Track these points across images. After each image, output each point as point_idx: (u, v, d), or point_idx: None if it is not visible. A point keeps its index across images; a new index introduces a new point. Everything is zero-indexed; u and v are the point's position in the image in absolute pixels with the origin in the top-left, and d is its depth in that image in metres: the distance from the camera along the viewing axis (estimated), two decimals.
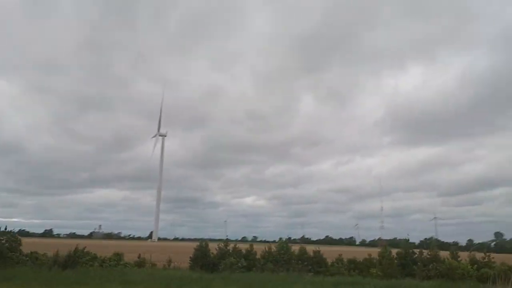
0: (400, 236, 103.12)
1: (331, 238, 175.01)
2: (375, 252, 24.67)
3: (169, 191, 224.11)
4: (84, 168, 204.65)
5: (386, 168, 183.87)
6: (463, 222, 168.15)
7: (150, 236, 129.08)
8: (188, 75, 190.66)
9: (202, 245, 22.18)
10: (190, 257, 22.27)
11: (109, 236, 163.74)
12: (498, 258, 23.28)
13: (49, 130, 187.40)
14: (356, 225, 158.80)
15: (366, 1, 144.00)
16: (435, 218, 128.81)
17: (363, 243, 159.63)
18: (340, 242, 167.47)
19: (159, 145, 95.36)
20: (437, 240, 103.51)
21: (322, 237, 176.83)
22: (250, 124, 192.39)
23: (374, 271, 21.53)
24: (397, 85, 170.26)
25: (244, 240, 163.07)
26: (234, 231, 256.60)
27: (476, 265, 21.29)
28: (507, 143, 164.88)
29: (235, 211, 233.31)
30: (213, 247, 22.32)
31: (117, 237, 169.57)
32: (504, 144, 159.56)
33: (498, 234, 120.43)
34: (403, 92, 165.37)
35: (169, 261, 23.95)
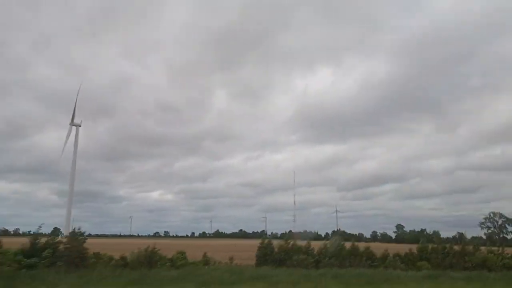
0: (306, 228, 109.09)
1: (245, 232, 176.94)
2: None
3: (66, 184, 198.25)
4: None
5: (293, 163, 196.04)
6: (358, 215, 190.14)
7: (54, 232, 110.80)
8: (97, 61, 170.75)
9: (266, 242, 21.14)
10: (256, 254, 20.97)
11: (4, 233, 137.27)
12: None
13: None
14: (264, 218, 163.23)
15: (282, 2, 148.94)
16: (336, 211, 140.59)
17: (275, 236, 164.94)
18: (253, 235, 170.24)
19: (72, 136, 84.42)
20: (344, 232, 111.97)
21: (235, 231, 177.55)
22: (161, 117, 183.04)
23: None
24: (307, 85, 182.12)
25: (157, 236, 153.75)
26: (139, 227, 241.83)
27: None
28: (397, 143, 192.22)
29: (140, 206, 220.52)
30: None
31: (13, 233, 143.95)
32: (394, 144, 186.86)
33: (399, 226, 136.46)
34: (312, 92, 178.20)
35: (231, 258, 21.59)
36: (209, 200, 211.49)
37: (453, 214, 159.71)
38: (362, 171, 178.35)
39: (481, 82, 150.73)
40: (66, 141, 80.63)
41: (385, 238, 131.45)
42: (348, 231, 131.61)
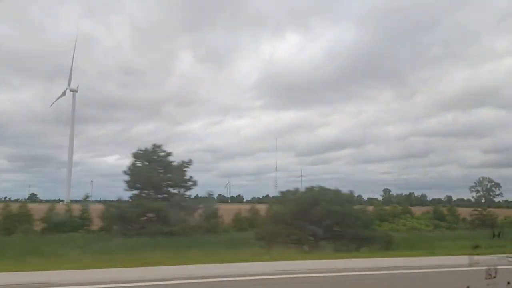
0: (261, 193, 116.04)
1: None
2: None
3: (20, 149, 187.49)
4: None
5: (254, 129, 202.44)
6: (314, 179, 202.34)
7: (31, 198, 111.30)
8: (55, 20, 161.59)
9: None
10: None
11: None
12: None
13: None
14: (228, 183, 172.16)
15: None
16: (301, 176, 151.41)
17: (234, 200, 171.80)
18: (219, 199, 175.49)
19: (69, 100, 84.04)
20: None
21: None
22: (122, 80, 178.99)
23: None
24: (274, 52, 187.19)
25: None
26: (93, 192, 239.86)
27: None
28: (357, 110, 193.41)
29: (94, 171, 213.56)
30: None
31: None
32: (356, 110, 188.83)
33: (386, 190, 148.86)
34: (279, 59, 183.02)
35: None
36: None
37: (402, 178, 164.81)
38: (322, 137, 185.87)
39: (441, 51, 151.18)
40: (73, 110, 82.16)
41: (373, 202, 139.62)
42: None
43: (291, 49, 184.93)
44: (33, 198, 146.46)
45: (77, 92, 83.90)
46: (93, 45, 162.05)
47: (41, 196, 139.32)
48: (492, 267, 6.52)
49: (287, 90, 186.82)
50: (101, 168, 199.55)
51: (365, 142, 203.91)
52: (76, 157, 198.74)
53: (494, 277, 6.37)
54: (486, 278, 6.34)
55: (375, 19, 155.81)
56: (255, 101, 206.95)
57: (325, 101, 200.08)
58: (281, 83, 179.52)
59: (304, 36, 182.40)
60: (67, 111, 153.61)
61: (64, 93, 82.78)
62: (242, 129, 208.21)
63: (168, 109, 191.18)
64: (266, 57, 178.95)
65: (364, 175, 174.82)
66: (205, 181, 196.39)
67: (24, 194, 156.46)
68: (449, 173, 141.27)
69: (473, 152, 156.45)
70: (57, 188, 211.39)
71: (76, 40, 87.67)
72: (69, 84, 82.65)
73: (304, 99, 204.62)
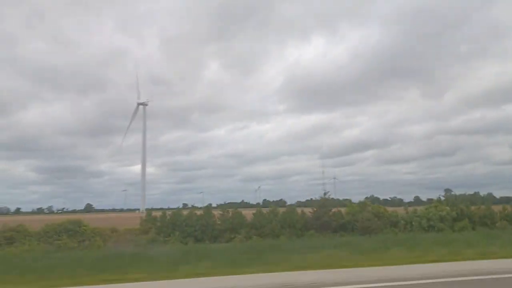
0: (283, 196, 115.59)
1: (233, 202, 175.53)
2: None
3: (48, 160, 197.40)
4: None
5: (277, 133, 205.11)
6: (338, 181, 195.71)
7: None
8: (90, 35, 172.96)
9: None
10: None
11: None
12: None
13: None
14: (259, 187, 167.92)
15: None
16: (334, 178, 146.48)
17: (265, 205, 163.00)
18: (245, 205, 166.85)
19: (138, 115, 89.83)
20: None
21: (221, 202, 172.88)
22: (151, 90, 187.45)
23: None
24: (300, 55, 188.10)
25: (40, 211, 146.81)
26: (118, 200, 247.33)
27: None
28: (382, 110, 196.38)
29: (120, 180, 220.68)
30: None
31: (10, 212, 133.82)
32: (381, 111, 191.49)
33: (447, 190, 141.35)
34: (305, 62, 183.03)
35: None
36: (191, 172, 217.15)
37: (427, 177, 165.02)
38: (346, 138, 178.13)
39: (469, 48, 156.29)
40: (131, 120, 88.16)
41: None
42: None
43: (317, 52, 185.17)
44: (89, 208, 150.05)
45: (147, 105, 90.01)
46: (125, 58, 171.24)
47: (66, 206, 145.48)
48: None
49: (312, 93, 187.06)
50: (127, 178, 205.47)
51: (390, 143, 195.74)
52: (104, 167, 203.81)
53: None
54: None
55: (401, 19, 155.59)
56: (279, 105, 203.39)
57: (350, 102, 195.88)
58: (306, 86, 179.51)
59: (330, 39, 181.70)
60: (95, 124, 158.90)
61: (136, 109, 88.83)
62: (265, 134, 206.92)
63: (194, 117, 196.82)
64: (291, 62, 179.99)
65: (387, 176, 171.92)
66: (228, 186, 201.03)
67: (50, 205, 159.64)
68: (476, 171, 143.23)
69: (501, 148, 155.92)
70: (83, 198, 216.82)
71: (138, 57, 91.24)
72: (138, 98, 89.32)
73: (328, 101, 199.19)
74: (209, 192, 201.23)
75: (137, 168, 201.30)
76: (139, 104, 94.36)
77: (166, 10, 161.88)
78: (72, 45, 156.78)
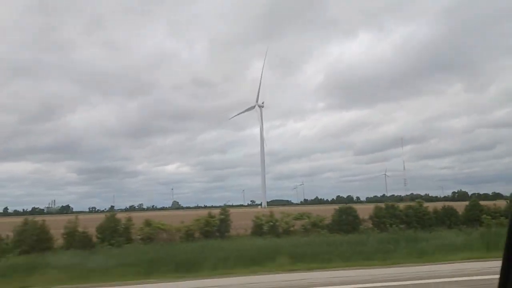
0: (316, 193, 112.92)
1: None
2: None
3: (88, 162, 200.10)
4: None
5: (313, 131, 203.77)
6: (366, 178, 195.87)
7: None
8: (141, 40, 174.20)
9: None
10: None
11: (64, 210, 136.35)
12: None
13: None
14: (301, 184, 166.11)
15: None
16: (385, 174, 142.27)
17: (305, 203, 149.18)
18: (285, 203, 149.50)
19: (258, 116, 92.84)
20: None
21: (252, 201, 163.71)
22: (195, 91, 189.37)
23: None
24: (343, 52, 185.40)
25: (176, 207, 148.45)
26: (151, 199, 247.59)
27: None
28: (423, 105, 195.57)
29: (155, 179, 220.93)
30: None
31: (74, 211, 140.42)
32: (422, 106, 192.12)
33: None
34: (347, 59, 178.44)
35: None
36: (223, 170, 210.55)
37: (463, 172, 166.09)
38: (383, 134, 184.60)
39: None
40: (261, 123, 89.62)
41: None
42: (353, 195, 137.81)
43: (361, 48, 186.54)
44: (176, 205, 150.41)
45: (263, 107, 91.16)
46: (172, 60, 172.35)
47: (99, 206, 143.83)
48: None
49: (352, 90, 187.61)
50: (161, 177, 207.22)
51: (428, 138, 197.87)
52: (140, 167, 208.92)
53: None
54: None
55: (449, 13, 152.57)
56: (317, 103, 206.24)
57: (391, 98, 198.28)
58: (346, 83, 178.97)
59: (376, 35, 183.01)
60: (138, 125, 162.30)
61: (252, 107, 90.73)
62: (300, 132, 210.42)
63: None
64: (333, 59, 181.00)
65: (422, 171, 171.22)
66: (258, 184, 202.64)
67: (86, 205, 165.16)
68: None
69: None
70: (117, 197, 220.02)
71: (264, 62, 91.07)
72: (257, 101, 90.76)
73: (368, 97, 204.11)
74: (238, 191, 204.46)
75: (172, 167, 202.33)
76: (258, 106, 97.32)
77: (216, 13, 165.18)
78: (123, 50, 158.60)
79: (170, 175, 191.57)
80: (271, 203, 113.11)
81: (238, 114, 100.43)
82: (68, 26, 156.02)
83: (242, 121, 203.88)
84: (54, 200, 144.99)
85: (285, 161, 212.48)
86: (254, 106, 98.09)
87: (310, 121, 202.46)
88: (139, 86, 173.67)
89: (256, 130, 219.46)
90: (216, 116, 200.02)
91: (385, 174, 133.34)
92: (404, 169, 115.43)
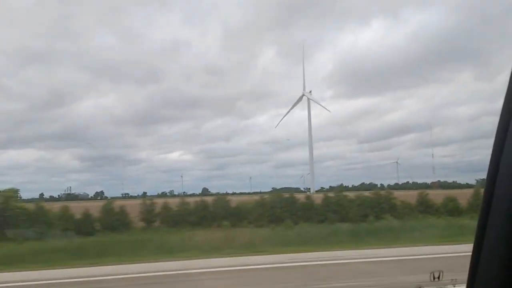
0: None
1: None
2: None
3: (92, 149, 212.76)
4: (2, 128, 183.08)
5: (319, 119, 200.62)
6: (368, 166, 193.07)
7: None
8: (155, 28, 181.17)
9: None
10: None
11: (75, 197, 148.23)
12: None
13: None
14: (309, 173, 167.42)
15: None
16: (397, 162, 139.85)
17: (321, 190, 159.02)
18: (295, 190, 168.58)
19: (305, 105, 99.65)
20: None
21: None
22: (205, 80, 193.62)
23: None
24: (356, 40, 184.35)
25: (172, 193, 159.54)
26: (151, 186, 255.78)
27: None
28: (431, 93, 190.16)
29: (156, 167, 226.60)
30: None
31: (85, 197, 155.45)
32: (431, 94, 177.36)
33: None
34: (360, 47, 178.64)
35: None
36: (226, 158, 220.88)
37: (464, 160, 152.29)
38: (388, 122, 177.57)
39: None
40: (309, 112, 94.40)
41: None
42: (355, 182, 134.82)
43: (375, 36, 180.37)
44: (205, 192, 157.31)
45: (310, 95, 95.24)
46: (184, 49, 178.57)
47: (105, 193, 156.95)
48: None
49: (361, 78, 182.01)
50: (164, 164, 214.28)
51: (432, 126, 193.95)
52: (143, 155, 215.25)
53: None
54: None
55: (465, 2, 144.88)
56: (326, 91, 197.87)
57: (400, 86, 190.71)
58: (356, 72, 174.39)
59: (390, 23, 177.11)
60: (145, 113, 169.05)
61: (300, 99, 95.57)
62: (306, 120, 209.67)
63: (240, 105, 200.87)
64: (345, 47, 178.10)
65: (423, 159, 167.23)
66: (260, 172, 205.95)
67: (88, 192, 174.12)
68: None
69: None
70: (119, 185, 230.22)
71: (304, 48, 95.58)
72: (304, 89, 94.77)
73: (377, 85, 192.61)
74: (240, 179, 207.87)
75: (174, 155, 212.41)
76: (306, 95, 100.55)
77: (231, 1, 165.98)
78: (136, 39, 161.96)
79: (172, 162, 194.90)
80: (279, 191, 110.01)
81: (287, 113, 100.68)
82: (84, 14, 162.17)
83: (248, 110, 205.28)
84: (70, 187, 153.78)
85: (288, 149, 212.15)
86: (302, 97, 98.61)
87: (316, 109, 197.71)
88: (149, 74, 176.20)
89: (262, 118, 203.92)
90: (222, 104, 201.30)
91: (396, 162, 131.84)
92: (432, 156, 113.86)
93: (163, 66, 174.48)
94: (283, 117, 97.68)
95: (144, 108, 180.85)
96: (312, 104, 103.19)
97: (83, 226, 20.65)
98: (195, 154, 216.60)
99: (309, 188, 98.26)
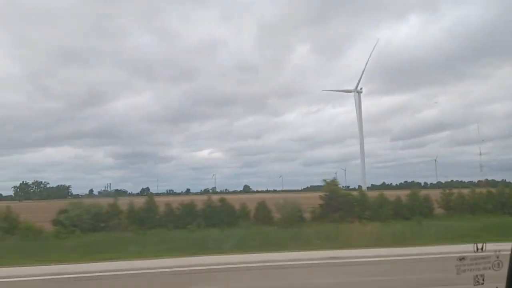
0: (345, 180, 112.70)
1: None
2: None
3: (126, 147, 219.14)
4: (42, 126, 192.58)
5: (351, 116, 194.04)
6: (400, 164, 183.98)
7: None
8: (192, 26, 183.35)
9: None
10: None
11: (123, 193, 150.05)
12: None
13: (18, 88, 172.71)
14: (344, 169, 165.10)
15: None
16: (435, 160, 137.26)
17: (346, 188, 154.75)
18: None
19: (357, 102, 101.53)
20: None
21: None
22: (239, 77, 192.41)
23: None
24: (391, 36, 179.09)
25: (206, 191, 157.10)
26: (180, 184, 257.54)
27: None
28: (469, 90, 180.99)
29: (186, 165, 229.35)
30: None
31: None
32: (466, 90, 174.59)
33: None
34: (394, 43, 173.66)
35: None
36: (256, 156, 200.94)
37: (499, 158, 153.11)
38: (423, 119, 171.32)
39: None
40: (357, 109, 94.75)
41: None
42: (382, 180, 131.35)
43: (411, 32, 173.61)
44: (247, 189, 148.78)
45: (361, 92, 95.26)
46: (219, 47, 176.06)
47: (132, 190, 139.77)
48: None
49: (396, 74, 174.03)
50: (193, 162, 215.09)
51: (469, 122, 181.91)
52: (174, 152, 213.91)
53: None
54: None
55: None
56: (359, 88, 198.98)
57: (435, 82, 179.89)
58: (391, 68, 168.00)
59: (428, 18, 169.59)
60: (178, 111, 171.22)
61: (348, 91, 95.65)
62: (337, 117, 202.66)
63: (271, 102, 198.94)
64: (380, 43, 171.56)
65: (456, 157, 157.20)
66: (289, 170, 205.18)
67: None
68: None
69: None
70: (150, 182, 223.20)
71: (375, 46, 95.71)
72: (357, 86, 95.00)
73: (412, 82, 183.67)
74: (269, 176, 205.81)
75: (204, 152, 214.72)
76: (357, 92, 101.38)
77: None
78: (173, 38, 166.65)
79: (202, 160, 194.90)
80: (310, 189, 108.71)
81: (332, 91, 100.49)
82: (122, 14, 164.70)
83: (280, 107, 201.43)
84: (110, 183, 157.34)
85: (317, 147, 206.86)
86: (351, 91, 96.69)
87: (349, 106, 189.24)
88: (184, 72, 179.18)
89: (293, 115, 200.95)
90: (254, 102, 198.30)
91: (435, 160, 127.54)
92: (480, 154, 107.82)
93: (197, 64, 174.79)
94: (328, 90, 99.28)
95: (177, 105, 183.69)
96: (352, 99, 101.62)
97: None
98: (225, 151, 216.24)
99: (348, 186, 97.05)
